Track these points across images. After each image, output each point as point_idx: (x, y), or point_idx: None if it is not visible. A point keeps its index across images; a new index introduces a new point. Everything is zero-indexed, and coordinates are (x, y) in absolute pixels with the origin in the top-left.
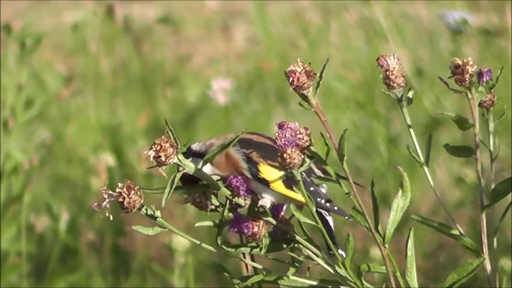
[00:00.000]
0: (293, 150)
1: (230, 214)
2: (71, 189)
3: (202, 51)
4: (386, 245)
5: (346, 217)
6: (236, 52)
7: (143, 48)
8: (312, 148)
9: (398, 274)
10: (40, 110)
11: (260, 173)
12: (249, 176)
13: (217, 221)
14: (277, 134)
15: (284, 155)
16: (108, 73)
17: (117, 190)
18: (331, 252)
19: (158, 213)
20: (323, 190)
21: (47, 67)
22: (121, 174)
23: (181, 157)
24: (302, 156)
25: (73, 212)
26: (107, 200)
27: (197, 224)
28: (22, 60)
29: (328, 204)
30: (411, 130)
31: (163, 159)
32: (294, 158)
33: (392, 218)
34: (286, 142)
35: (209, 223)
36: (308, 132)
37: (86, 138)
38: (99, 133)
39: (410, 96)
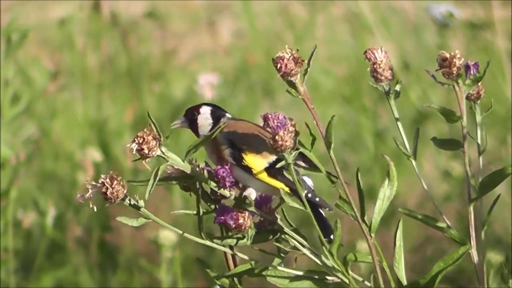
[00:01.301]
0: (285, 132)
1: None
2: (58, 184)
3: (188, 46)
4: (372, 235)
5: (328, 209)
6: (222, 46)
7: (129, 42)
8: (297, 138)
9: (385, 264)
10: (26, 105)
11: (243, 160)
12: (231, 161)
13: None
14: (270, 115)
15: (276, 137)
16: (95, 68)
17: (100, 180)
18: (326, 239)
19: (141, 203)
20: (308, 181)
21: (33, 63)
22: (108, 169)
23: (164, 149)
24: (295, 139)
25: (60, 207)
26: (90, 191)
27: (173, 212)
28: (8, 55)
29: (310, 195)
30: (399, 123)
31: (146, 151)
32: (286, 141)
33: (379, 207)
34: (279, 124)
35: (186, 212)
36: (293, 122)
37: (73, 133)
38: (86, 128)
39: (398, 89)
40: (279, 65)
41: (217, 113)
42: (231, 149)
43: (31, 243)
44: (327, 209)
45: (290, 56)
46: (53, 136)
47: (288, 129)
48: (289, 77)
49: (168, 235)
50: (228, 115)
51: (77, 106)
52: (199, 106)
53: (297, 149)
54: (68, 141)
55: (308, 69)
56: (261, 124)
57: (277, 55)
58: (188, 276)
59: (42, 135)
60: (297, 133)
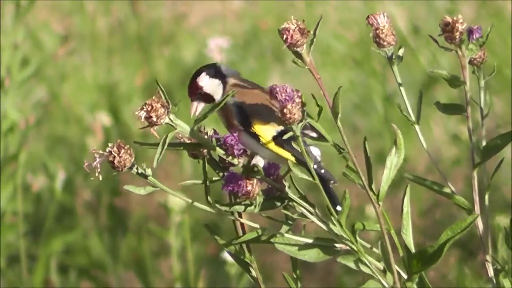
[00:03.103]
0: (293, 105)
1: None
2: (67, 148)
3: (198, 10)
4: (380, 203)
5: (333, 182)
6: (233, 11)
7: (139, 7)
8: (304, 109)
9: (392, 231)
10: (36, 69)
11: (252, 127)
12: (240, 127)
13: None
14: (277, 89)
15: (284, 110)
16: (105, 33)
17: (107, 149)
18: (336, 209)
19: (149, 172)
20: (315, 151)
21: (43, 27)
22: (117, 134)
23: (172, 116)
24: (302, 112)
25: (70, 171)
26: (97, 160)
27: (181, 183)
28: (18, 19)
29: (315, 166)
30: (402, 89)
31: (154, 119)
32: (294, 114)
33: (386, 175)
34: (287, 97)
35: (196, 181)
36: (300, 93)
37: (83, 97)
38: (95, 93)
39: (401, 55)
40: (285, 36)
41: (216, 72)
42: (240, 115)
43: (40, 207)
44: (332, 182)
45: (296, 27)
46: (63, 100)
47: (296, 102)
48: (295, 48)
49: (177, 199)
50: (226, 70)
51: (87, 70)
52: (195, 81)
53: (304, 119)
54: (78, 105)
55: (314, 39)
56: (276, 87)
57: (283, 26)
58: (197, 240)
59: (51, 99)
60: (303, 104)
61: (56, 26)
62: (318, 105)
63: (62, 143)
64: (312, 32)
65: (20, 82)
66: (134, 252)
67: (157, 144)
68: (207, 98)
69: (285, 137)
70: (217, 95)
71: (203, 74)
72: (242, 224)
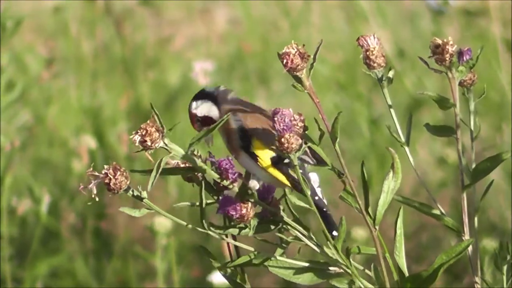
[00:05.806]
0: (291, 135)
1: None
2: (52, 171)
3: (183, 33)
4: (377, 227)
5: (325, 210)
6: (217, 34)
7: (124, 30)
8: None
9: (387, 254)
10: (21, 92)
11: (252, 147)
12: (239, 145)
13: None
14: (275, 118)
15: (282, 140)
16: (89, 56)
17: (103, 171)
18: (330, 235)
19: (144, 194)
20: (314, 177)
21: (28, 50)
22: (103, 157)
23: (167, 141)
24: (300, 141)
25: (55, 194)
26: (93, 182)
27: (176, 205)
28: (3, 42)
29: (309, 193)
30: (392, 110)
31: (149, 143)
32: (292, 143)
33: (383, 199)
34: (285, 127)
35: (188, 203)
36: (302, 118)
37: (68, 120)
38: (80, 116)
39: (391, 76)
40: (285, 61)
41: (203, 95)
42: (241, 135)
43: (25, 231)
44: (324, 209)
45: (296, 51)
46: (48, 123)
47: (294, 131)
48: (295, 72)
49: (163, 223)
50: (216, 90)
51: (72, 93)
52: (189, 112)
53: (305, 143)
54: (63, 128)
55: (314, 63)
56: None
57: (283, 50)
58: (183, 263)
59: (36, 122)
60: (306, 128)
61: (41, 49)
62: (320, 129)
63: (47, 166)
64: (312, 56)
65: (5, 106)
66: (119, 275)
67: (147, 171)
68: (206, 120)
69: (285, 161)
70: (214, 114)
71: (193, 102)
72: (234, 246)
